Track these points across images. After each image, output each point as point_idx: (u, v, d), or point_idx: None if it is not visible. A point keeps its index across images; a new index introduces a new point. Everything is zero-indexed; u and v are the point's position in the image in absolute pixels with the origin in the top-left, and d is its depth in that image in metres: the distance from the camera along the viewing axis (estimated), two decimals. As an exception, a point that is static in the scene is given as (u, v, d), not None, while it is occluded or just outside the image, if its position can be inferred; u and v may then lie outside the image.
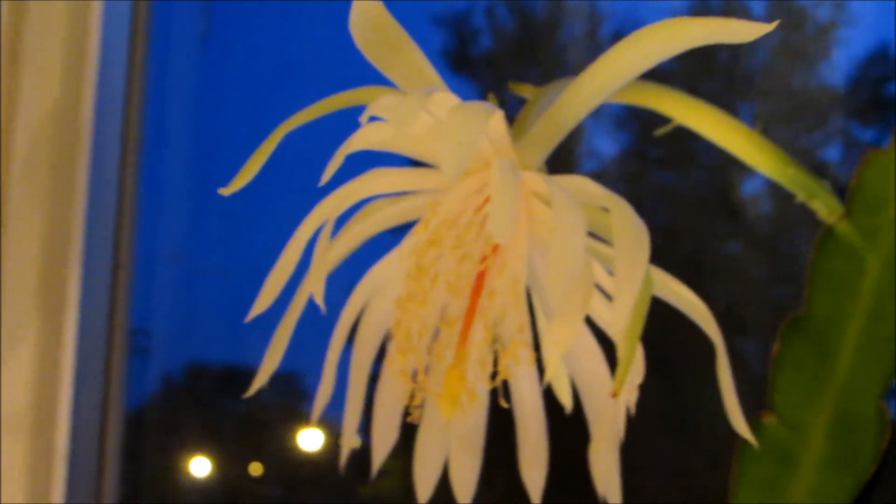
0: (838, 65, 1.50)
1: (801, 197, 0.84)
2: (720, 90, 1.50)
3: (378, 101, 0.62)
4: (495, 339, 0.72)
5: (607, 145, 1.55)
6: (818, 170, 1.42)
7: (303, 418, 1.45)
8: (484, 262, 0.69)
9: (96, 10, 1.25)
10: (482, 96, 1.67)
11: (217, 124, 1.53)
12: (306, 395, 1.45)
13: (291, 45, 1.54)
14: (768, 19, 0.64)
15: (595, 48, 1.57)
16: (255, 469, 1.47)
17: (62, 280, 1.22)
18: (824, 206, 0.83)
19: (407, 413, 0.75)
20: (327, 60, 1.49)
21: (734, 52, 1.48)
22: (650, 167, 1.61)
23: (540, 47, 1.61)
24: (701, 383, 1.35)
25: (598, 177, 1.52)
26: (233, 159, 1.47)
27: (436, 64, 1.42)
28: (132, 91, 1.34)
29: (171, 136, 1.48)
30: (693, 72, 1.51)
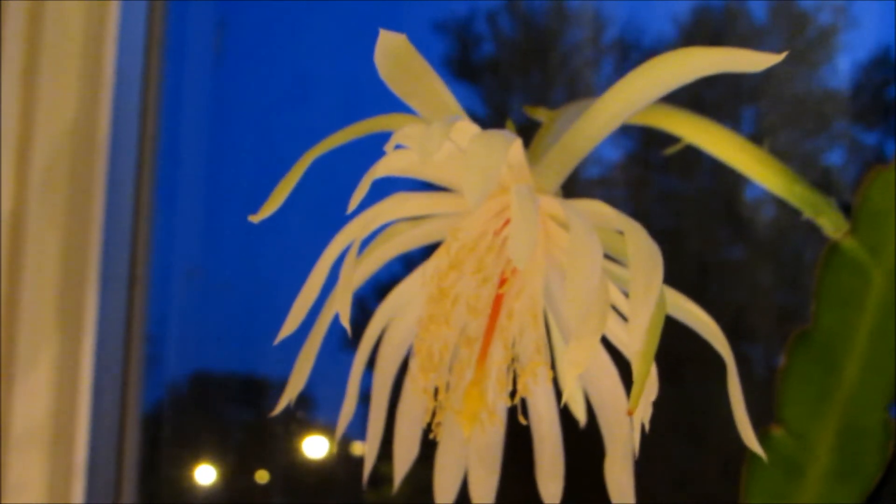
0: (841, 69, 1.50)
1: (807, 214, 0.87)
2: (723, 95, 1.51)
3: (403, 130, 0.65)
4: (514, 359, 0.75)
5: (611, 151, 1.56)
6: (821, 173, 1.44)
7: (310, 426, 1.47)
8: (503, 285, 0.72)
9: (112, 28, 1.27)
10: (484, 103, 1.67)
11: (232, 140, 1.54)
12: (313, 403, 1.46)
13: (305, 60, 1.54)
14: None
15: (597, 53, 1.58)
16: (265, 476, 1.50)
17: (80, 295, 1.24)
18: (830, 223, 0.87)
19: (428, 429, 0.77)
20: (341, 74, 1.50)
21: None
22: (654, 172, 1.61)
23: (542, 53, 1.62)
24: (711, 392, 1.37)
25: (603, 183, 1.52)
26: (247, 176, 1.48)
27: (437, 71, 1.44)
28: (148, 108, 1.36)
29: (187, 152, 1.49)
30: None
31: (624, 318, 0.74)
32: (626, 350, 0.73)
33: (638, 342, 0.63)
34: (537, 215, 0.64)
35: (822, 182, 1.45)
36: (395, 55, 0.69)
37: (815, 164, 1.49)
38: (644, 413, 0.68)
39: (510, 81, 1.67)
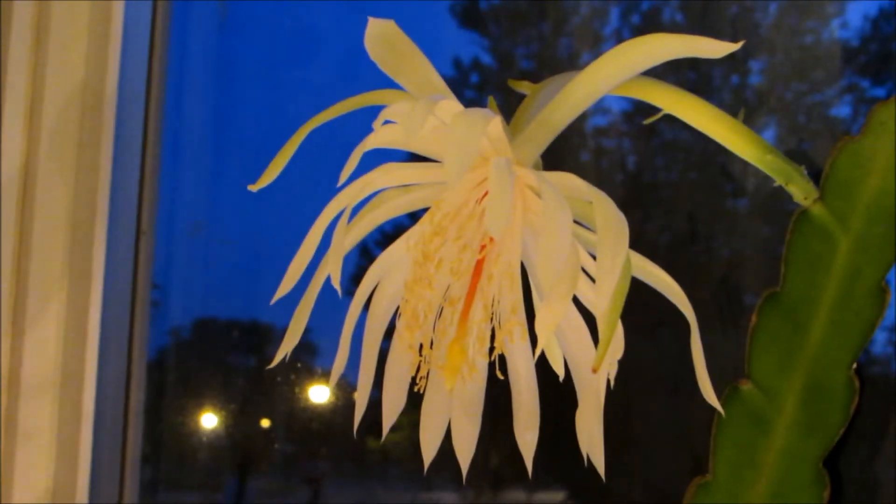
0: (849, 21, 1.53)
1: (779, 181, 0.93)
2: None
3: (391, 107, 0.72)
4: (493, 317, 0.83)
5: (616, 100, 1.59)
6: (827, 126, 1.47)
7: (312, 374, 1.52)
8: (483, 251, 0.80)
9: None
10: (490, 52, 1.71)
11: (235, 99, 1.57)
12: (315, 350, 1.51)
13: (308, 20, 1.58)
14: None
15: (604, 2, 1.62)
16: (267, 421, 1.55)
17: (89, 246, 1.31)
18: (800, 191, 0.93)
19: (414, 382, 0.86)
20: (342, 34, 1.54)
21: (744, 7, 1.53)
22: (659, 121, 1.63)
23: (549, 3, 1.64)
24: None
25: (607, 132, 1.55)
26: (250, 134, 1.53)
27: (445, 20, 1.51)
28: (154, 67, 1.42)
29: (192, 111, 1.54)
30: (702, 27, 1.54)
31: (594, 281, 0.81)
32: (594, 311, 0.80)
33: (604, 305, 0.71)
34: (513, 188, 0.71)
35: (829, 135, 1.49)
36: (383, 39, 0.77)
37: (823, 117, 1.54)
38: (610, 369, 0.76)
39: (517, 31, 1.69)
